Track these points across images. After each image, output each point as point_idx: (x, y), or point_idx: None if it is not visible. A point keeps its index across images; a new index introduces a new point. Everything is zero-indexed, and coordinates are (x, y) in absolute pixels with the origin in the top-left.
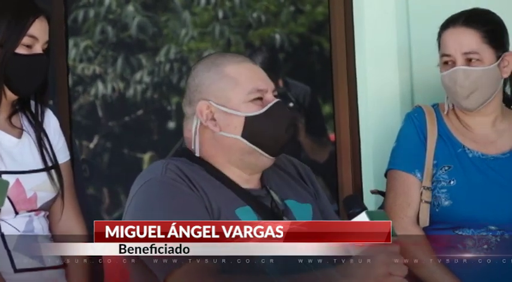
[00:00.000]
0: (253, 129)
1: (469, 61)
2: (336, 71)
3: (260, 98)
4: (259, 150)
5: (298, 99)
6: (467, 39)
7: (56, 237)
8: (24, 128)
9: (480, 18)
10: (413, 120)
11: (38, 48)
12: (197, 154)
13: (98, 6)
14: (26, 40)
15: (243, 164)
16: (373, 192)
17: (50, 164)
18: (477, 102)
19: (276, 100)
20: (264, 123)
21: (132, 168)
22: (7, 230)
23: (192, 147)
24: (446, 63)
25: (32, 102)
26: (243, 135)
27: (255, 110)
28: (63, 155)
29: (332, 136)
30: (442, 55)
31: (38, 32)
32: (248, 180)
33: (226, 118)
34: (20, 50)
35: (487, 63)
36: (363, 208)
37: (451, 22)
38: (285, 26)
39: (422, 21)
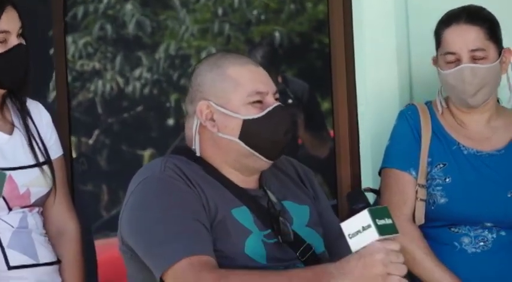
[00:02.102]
0: (250, 132)
1: (473, 58)
2: (335, 67)
3: (260, 101)
4: (256, 154)
5: (297, 95)
6: (473, 36)
7: (50, 233)
8: (15, 123)
9: (481, 15)
10: (407, 118)
11: (13, 40)
12: (198, 154)
13: (97, 2)
14: None
15: (240, 166)
16: (366, 190)
17: (41, 159)
18: (482, 99)
19: (276, 104)
20: (262, 127)
21: (131, 165)
22: (1, 227)
23: (193, 147)
24: (449, 61)
25: (17, 99)
26: (240, 138)
27: (254, 113)
28: (55, 151)
29: (332, 132)
30: (446, 53)
31: (8, 24)
32: (246, 181)
33: (225, 119)
34: None
35: (491, 60)
36: (367, 203)
37: (453, 19)
38: (285, 23)
39: (421, 18)
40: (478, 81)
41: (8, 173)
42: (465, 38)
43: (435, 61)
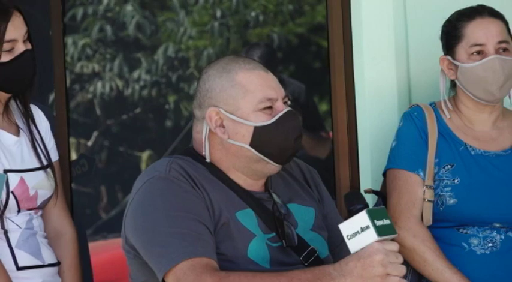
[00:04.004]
0: (261, 139)
1: (498, 50)
2: (334, 68)
3: (270, 107)
4: (267, 159)
5: (294, 97)
6: (499, 29)
7: (48, 235)
8: (20, 126)
9: (498, 11)
10: (414, 119)
11: (20, 47)
12: (208, 160)
13: (97, 4)
14: (6, 46)
15: (249, 171)
16: (367, 191)
17: (45, 162)
18: (506, 92)
19: (286, 109)
20: (273, 133)
21: (130, 167)
22: (10, 228)
23: (203, 153)
24: (473, 54)
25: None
26: (251, 144)
27: (265, 120)
28: (53, 155)
29: (331, 133)
30: (473, 45)
31: (14, 33)
32: (251, 184)
33: (235, 126)
34: (4, 58)
35: None
36: (365, 205)
37: (476, 13)
38: (283, 25)
39: (420, 19)
40: (506, 72)
41: (5, 175)
42: (492, 30)
43: (443, 60)
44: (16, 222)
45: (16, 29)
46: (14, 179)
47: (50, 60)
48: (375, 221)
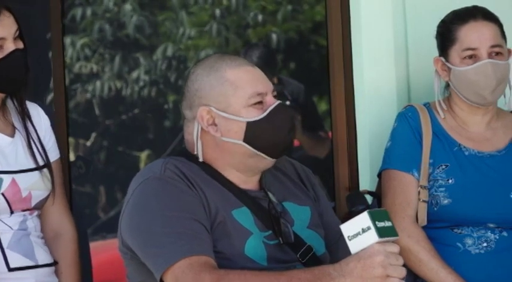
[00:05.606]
0: (255, 134)
1: (491, 55)
2: (333, 68)
3: (260, 102)
4: (262, 154)
5: (293, 97)
6: (493, 32)
7: (46, 235)
8: (15, 126)
9: (493, 14)
10: (408, 119)
11: (9, 46)
12: (200, 159)
13: (96, 4)
14: None
15: (244, 167)
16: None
17: (41, 162)
18: (498, 95)
19: (277, 102)
20: (266, 127)
21: (129, 167)
22: (1, 229)
23: (195, 152)
24: (466, 57)
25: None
26: (245, 140)
27: (256, 115)
28: (53, 154)
29: (330, 133)
30: (465, 49)
31: (3, 31)
32: (247, 182)
33: (228, 123)
34: None
35: (506, 57)
36: (366, 206)
37: (470, 16)
38: (281, 25)
39: (419, 18)
40: (498, 76)
41: (5, 181)
42: (485, 34)
43: (437, 62)
44: (8, 223)
45: (5, 27)
46: (5, 181)
47: (49, 61)
48: (376, 223)
